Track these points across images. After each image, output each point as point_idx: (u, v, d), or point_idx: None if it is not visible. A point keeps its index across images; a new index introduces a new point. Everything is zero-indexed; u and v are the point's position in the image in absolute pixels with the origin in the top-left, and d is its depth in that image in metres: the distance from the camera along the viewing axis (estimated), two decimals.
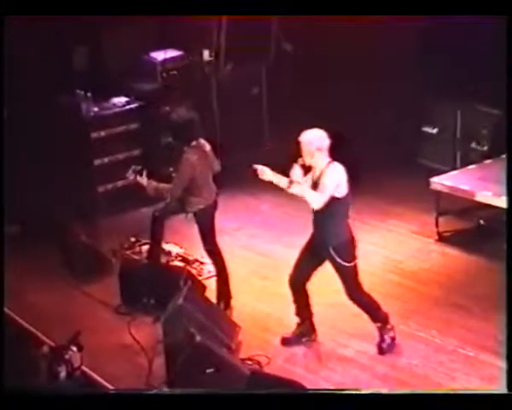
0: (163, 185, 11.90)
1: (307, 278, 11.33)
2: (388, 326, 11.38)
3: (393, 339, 11.38)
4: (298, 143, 10.89)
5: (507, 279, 9.84)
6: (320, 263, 11.23)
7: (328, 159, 10.90)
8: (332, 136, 11.08)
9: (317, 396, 9.16)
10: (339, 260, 10.95)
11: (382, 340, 11.33)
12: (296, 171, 10.78)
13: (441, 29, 15.78)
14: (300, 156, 10.88)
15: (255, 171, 11.20)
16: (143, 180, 11.96)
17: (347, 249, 11.01)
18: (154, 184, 11.94)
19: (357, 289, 11.19)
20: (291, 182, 10.78)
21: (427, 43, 16.54)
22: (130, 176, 12.13)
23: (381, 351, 11.31)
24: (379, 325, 11.36)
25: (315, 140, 10.87)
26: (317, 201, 10.74)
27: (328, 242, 10.96)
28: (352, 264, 11.03)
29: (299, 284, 11.38)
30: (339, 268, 11.05)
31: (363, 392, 9.66)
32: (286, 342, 11.50)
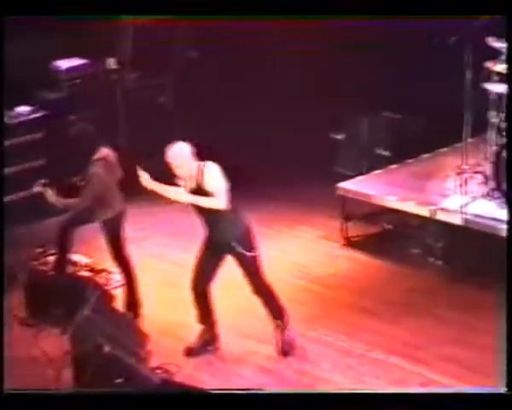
0: (71, 201, 11.89)
1: (209, 280, 11.37)
2: (288, 325, 11.44)
3: (293, 339, 11.42)
4: (167, 164, 11.05)
5: (507, 279, 9.72)
6: (221, 262, 11.30)
7: (197, 162, 11.04)
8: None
9: (306, 396, 9.22)
10: (242, 250, 11.04)
11: (283, 340, 11.40)
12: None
13: (347, 34, 15.74)
14: (174, 176, 11.09)
15: (139, 181, 11.40)
16: (51, 197, 11.90)
17: (248, 239, 11.15)
18: (61, 200, 11.91)
19: (260, 280, 11.30)
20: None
21: (333, 49, 16.31)
22: (36, 189, 12.09)
23: (283, 352, 11.39)
24: (279, 322, 11.41)
25: (178, 154, 11.02)
26: (220, 202, 10.90)
27: (229, 236, 11.05)
28: (254, 253, 11.15)
29: (201, 288, 11.41)
30: (242, 260, 11.13)
31: (359, 392, 9.68)
32: (190, 351, 11.50)
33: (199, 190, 10.96)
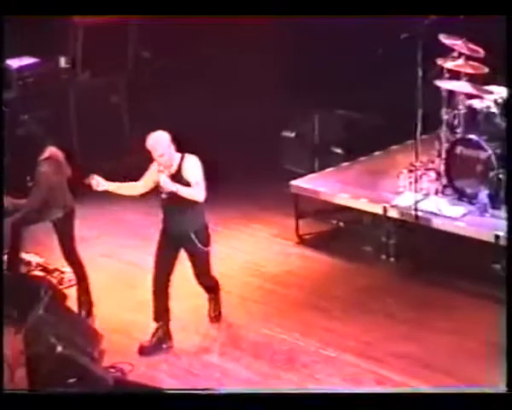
0: (20, 201, 12.02)
1: (169, 273, 11.56)
2: (219, 296, 12.09)
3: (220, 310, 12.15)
4: (148, 151, 11.25)
5: (507, 279, 9.86)
6: (178, 255, 11.56)
7: (179, 154, 11.32)
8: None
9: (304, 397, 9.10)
10: (199, 244, 11.37)
11: (214, 309, 12.04)
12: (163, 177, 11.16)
13: (300, 32, 16.00)
14: (153, 161, 11.32)
15: (90, 185, 11.49)
16: (5, 199, 12.09)
17: (205, 234, 11.50)
18: (11, 200, 12.09)
19: (208, 272, 11.73)
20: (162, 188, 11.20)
21: (285, 46, 16.62)
22: None
23: (215, 319, 11.99)
24: (212, 296, 12.05)
25: (159, 142, 11.22)
26: (200, 193, 11.21)
27: (189, 228, 11.32)
28: (208, 248, 11.51)
29: (162, 281, 11.57)
30: (196, 253, 11.47)
31: (358, 392, 9.80)
32: (144, 350, 11.61)
33: (177, 180, 11.19)
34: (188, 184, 11.24)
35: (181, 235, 11.45)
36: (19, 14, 11.15)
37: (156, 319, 11.71)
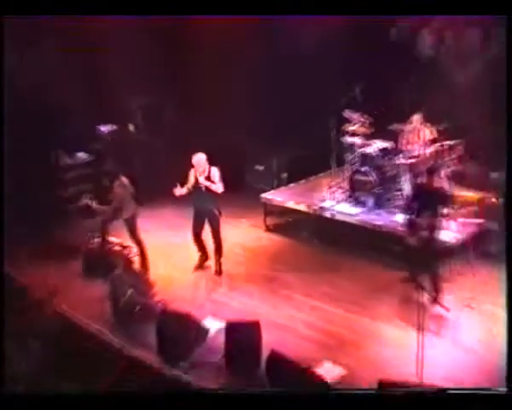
0: (104, 208, 12.16)
1: (202, 230, 12.11)
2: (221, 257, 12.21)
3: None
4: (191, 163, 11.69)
5: (507, 279, 8.10)
6: (204, 222, 12.04)
7: (208, 165, 11.79)
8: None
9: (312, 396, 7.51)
10: (217, 213, 11.92)
11: (220, 265, 12.18)
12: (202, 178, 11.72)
13: (271, 79, 14.80)
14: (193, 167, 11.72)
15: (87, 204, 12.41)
16: (94, 205, 12.32)
17: (218, 209, 11.94)
18: (99, 207, 12.28)
19: (219, 233, 12.10)
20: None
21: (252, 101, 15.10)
22: (84, 201, 12.55)
23: (218, 273, 12.11)
24: (217, 257, 12.17)
25: (203, 158, 11.75)
26: (220, 187, 11.77)
27: (211, 206, 11.86)
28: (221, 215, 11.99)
29: (199, 239, 12.14)
30: (214, 219, 11.97)
31: (361, 392, 7.78)
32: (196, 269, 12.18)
33: (208, 179, 11.76)
34: (213, 183, 11.78)
35: (207, 210, 11.91)
36: (20, 14, 8.88)
37: (199, 251, 12.24)
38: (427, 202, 10.70)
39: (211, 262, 12.37)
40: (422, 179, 11.33)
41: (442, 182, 11.84)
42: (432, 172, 10.99)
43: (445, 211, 10.75)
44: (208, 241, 12.31)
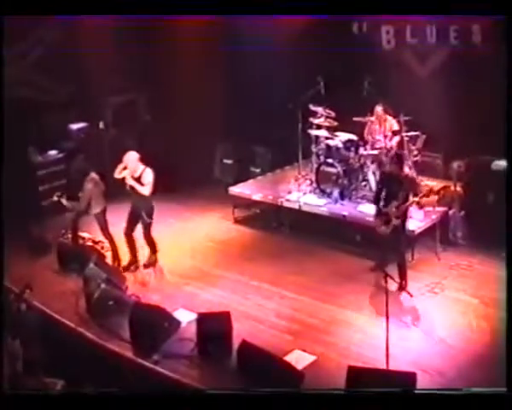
0: (75, 203, 12.03)
1: (133, 231, 11.79)
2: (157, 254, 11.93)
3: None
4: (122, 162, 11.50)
5: (507, 279, 7.89)
6: (137, 221, 11.72)
7: (143, 166, 11.53)
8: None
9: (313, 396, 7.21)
10: (146, 217, 11.58)
11: (155, 264, 11.86)
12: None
13: (237, 76, 14.76)
14: (125, 168, 11.51)
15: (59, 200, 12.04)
16: (64, 201, 12.15)
17: (151, 213, 11.63)
18: (69, 203, 12.12)
19: (150, 235, 11.80)
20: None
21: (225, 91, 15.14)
22: (55, 198, 12.29)
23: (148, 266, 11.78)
24: (153, 256, 11.91)
25: (135, 157, 11.53)
26: (147, 190, 11.43)
27: (143, 209, 11.55)
28: (151, 221, 11.67)
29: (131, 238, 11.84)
30: (145, 225, 11.64)
31: (361, 392, 7.40)
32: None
33: (137, 180, 11.45)
34: (141, 185, 11.42)
35: (139, 212, 11.58)
36: (19, 14, 8.74)
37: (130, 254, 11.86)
38: (395, 189, 10.76)
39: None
40: (388, 168, 11.38)
41: (407, 170, 11.91)
42: (398, 160, 11.07)
43: (413, 198, 10.83)
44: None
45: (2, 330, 8.72)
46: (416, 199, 10.99)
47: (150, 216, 11.72)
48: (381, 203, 10.88)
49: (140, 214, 11.69)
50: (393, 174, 10.96)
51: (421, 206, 11.91)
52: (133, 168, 11.53)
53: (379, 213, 10.95)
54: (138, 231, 11.94)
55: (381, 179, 11.54)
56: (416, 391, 7.73)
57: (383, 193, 10.93)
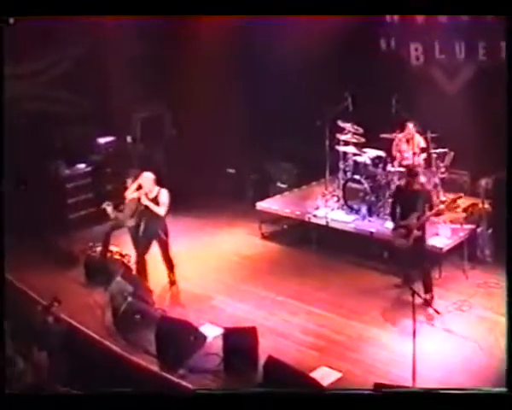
0: (119, 214, 12.01)
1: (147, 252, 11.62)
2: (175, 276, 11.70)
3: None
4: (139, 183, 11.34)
5: (507, 279, 7.88)
6: (151, 242, 11.54)
7: (158, 187, 11.39)
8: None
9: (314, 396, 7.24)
10: (163, 236, 11.42)
11: (173, 282, 11.63)
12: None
13: (264, 91, 14.63)
14: (141, 188, 11.33)
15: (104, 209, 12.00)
16: (110, 210, 12.13)
17: (166, 231, 11.45)
18: (114, 213, 12.11)
19: (168, 254, 11.57)
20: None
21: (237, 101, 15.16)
22: (104, 205, 12.21)
23: (172, 283, 11.61)
24: (172, 275, 11.67)
25: (150, 178, 11.36)
26: (162, 210, 11.28)
27: (158, 227, 11.37)
28: (167, 239, 11.47)
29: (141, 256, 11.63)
30: (163, 242, 11.46)
31: (362, 392, 7.39)
32: None
33: (154, 201, 11.31)
34: (156, 205, 11.25)
35: (154, 231, 11.38)
36: (19, 14, 8.49)
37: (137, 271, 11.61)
38: (413, 202, 10.78)
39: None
40: (404, 181, 11.40)
41: (425, 184, 11.80)
42: (413, 174, 11.02)
43: (430, 211, 10.81)
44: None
45: (2, 330, 8.74)
46: (433, 212, 10.90)
47: (166, 235, 11.59)
48: (398, 217, 10.97)
49: (154, 234, 11.53)
50: (409, 187, 10.97)
51: (446, 223, 11.85)
52: (149, 188, 11.42)
53: (397, 227, 10.99)
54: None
55: (395, 194, 11.59)
56: (417, 391, 7.67)
57: (398, 208, 11.01)
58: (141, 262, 11.84)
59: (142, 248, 11.68)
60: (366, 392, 7.33)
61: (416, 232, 10.76)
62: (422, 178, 11.60)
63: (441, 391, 7.33)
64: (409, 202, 10.87)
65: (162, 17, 9.42)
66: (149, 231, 11.53)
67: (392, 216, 11.25)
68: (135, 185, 11.53)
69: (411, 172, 11.16)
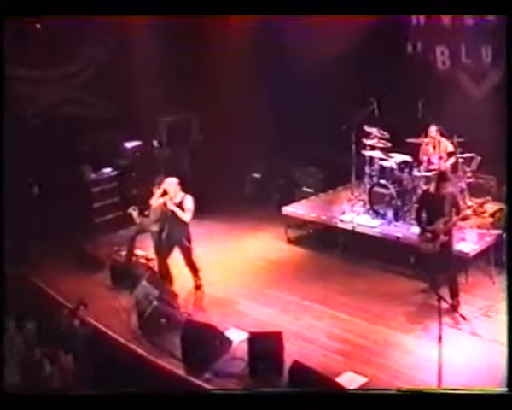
0: (145, 220, 12.15)
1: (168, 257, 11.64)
2: (200, 280, 11.72)
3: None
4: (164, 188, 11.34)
5: (507, 280, 7.94)
6: (173, 247, 11.57)
7: (182, 192, 11.41)
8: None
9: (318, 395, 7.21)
10: (187, 243, 11.46)
11: (198, 286, 11.68)
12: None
13: (290, 95, 14.69)
14: (166, 194, 11.33)
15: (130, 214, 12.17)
16: (135, 215, 12.30)
17: (189, 238, 11.46)
18: (140, 218, 12.26)
19: (192, 259, 11.61)
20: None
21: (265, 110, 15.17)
22: (130, 210, 12.38)
23: (197, 287, 11.67)
24: (197, 279, 11.71)
25: (175, 183, 11.40)
26: (188, 216, 11.30)
27: (182, 234, 11.42)
28: (190, 245, 11.51)
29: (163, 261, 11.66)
30: (186, 249, 11.49)
31: (362, 392, 7.78)
32: None
33: (179, 206, 11.32)
34: (182, 211, 11.27)
35: (177, 238, 11.42)
36: (20, 14, 8.36)
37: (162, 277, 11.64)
38: (439, 207, 10.75)
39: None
40: (432, 186, 11.32)
41: (452, 190, 11.71)
42: (444, 179, 10.98)
43: (457, 217, 10.78)
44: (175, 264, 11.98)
45: (2, 331, 8.77)
46: (460, 217, 10.88)
47: (190, 241, 11.60)
48: (424, 221, 10.93)
49: (177, 240, 11.55)
50: (436, 192, 10.93)
51: (472, 229, 11.82)
52: (173, 194, 11.43)
53: (423, 232, 10.96)
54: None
55: (421, 198, 11.56)
56: (417, 391, 7.61)
57: (424, 213, 10.97)
58: (163, 266, 11.85)
59: (163, 252, 11.72)
60: (364, 391, 7.46)
61: (442, 237, 10.77)
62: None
63: (441, 391, 7.49)
64: (436, 207, 10.84)
65: (190, 20, 9.59)
66: (172, 236, 11.58)
67: (418, 221, 11.25)
68: (160, 191, 11.55)
69: (442, 176, 11.09)
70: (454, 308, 10.67)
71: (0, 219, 8.15)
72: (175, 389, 8.74)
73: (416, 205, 12.27)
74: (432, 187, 11.32)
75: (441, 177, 11.09)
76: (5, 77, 9.11)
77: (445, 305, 9.33)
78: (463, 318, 10.63)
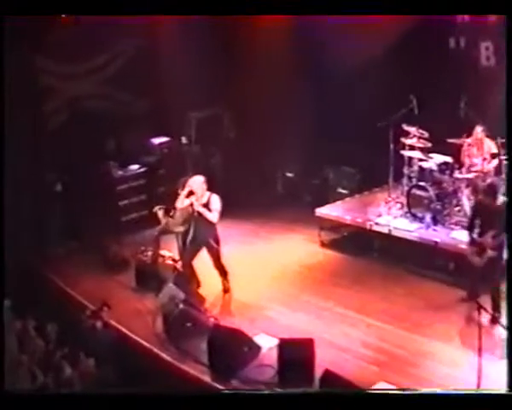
0: (170, 220, 12.19)
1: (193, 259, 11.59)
2: (229, 283, 11.66)
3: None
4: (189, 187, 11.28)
5: (507, 279, 8.23)
6: (199, 249, 11.53)
7: (208, 192, 11.35)
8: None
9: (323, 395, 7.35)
10: (213, 244, 11.38)
11: (226, 289, 11.66)
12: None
13: (326, 93, 14.61)
14: (192, 194, 11.28)
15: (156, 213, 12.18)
16: (161, 215, 12.31)
17: (216, 239, 11.41)
18: (165, 218, 12.28)
19: (220, 261, 11.57)
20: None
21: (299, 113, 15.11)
22: (156, 209, 12.44)
23: (225, 290, 11.65)
24: (225, 281, 11.65)
25: (200, 181, 11.34)
26: (215, 217, 11.25)
27: (207, 235, 11.35)
28: (218, 247, 11.45)
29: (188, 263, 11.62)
30: (213, 250, 11.43)
31: (358, 392, 7.82)
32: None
33: (205, 206, 11.28)
34: (210, 211, 11.24)
35: (204, 239, 11.39)
36: (20, 14, 8.33)
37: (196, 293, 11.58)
38: (490, 219, 10.53)
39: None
40: (483, 197, 11.15)
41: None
42: (491, 189, 10.86)
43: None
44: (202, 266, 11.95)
45: (2, 331, 8.79)
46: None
47: (217, 243, 11.54)
48: (476, 231, 10.73)
49: (204, 241, 11.50)
50: (487, 204, 10.75)
51: None
52: (200, 194, 11.36)
53: (472, 242, 10.78)
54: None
55: (475, 207, 11.30)
56: (417, 391, 7.71)
57: (477, 221, 10.73)
58: (188, 269, 11.79)
59: (188, 255, 11.68)
60: (368, 393, 7.42)
61: (490, 252, 10.53)
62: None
63: (441, 391, 7.50)
64: (488, 219, 10.60)
65: (221, 15, 9.45)
66: (199, 238, 11.53)
67: (470, 229, 10.93)
68: (185, 191, 11.48)
69: (489, 187, 10.98)
70: (495, 320, 10.37)
71: (18, 216, 8.03)
72: (196, 391, 8.75)
73: (457, 209, 12.16)
74: (482, 197, 11.13)
75: (489, 190, 10.91)
76: (31, 70, 9.06)
77: (486, 316, 9.22)
78: (505, 328, 10.28)
